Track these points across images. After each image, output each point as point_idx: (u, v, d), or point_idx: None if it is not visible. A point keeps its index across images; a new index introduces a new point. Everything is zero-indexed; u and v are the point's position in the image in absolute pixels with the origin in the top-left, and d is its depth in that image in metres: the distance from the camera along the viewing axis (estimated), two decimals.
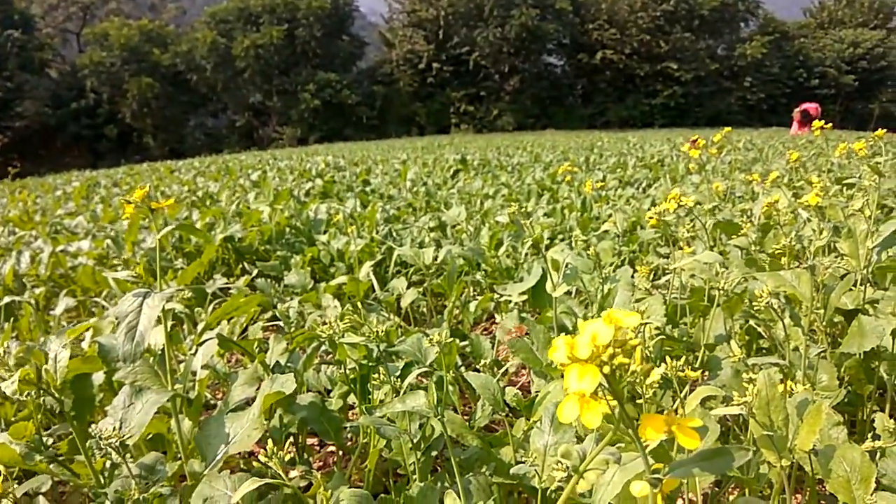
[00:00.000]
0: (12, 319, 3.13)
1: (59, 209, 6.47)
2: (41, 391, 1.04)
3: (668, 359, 1.02)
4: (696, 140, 2.52)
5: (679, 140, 15.22)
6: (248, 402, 1.74)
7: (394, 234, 4.55)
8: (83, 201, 7.16)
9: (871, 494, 1.04)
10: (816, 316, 1.73)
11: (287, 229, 4.41)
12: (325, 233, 4.39)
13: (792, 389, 1.19)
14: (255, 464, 0.93)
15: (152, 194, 6.89)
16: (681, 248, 2.34)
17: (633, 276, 2.36)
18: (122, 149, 46.91)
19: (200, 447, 1.22)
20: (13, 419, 1.78)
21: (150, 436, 1.81)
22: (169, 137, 48.44)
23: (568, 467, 1.15)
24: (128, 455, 1.25)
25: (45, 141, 46.53)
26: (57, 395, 1.08)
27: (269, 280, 3.47)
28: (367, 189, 7.27)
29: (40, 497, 1.66)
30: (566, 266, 1.90)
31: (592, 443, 0.90)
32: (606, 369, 0.52)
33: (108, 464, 1.25)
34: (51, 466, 1.50)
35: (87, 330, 1.86)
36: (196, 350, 1.84)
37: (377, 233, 4.37)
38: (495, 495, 1.33)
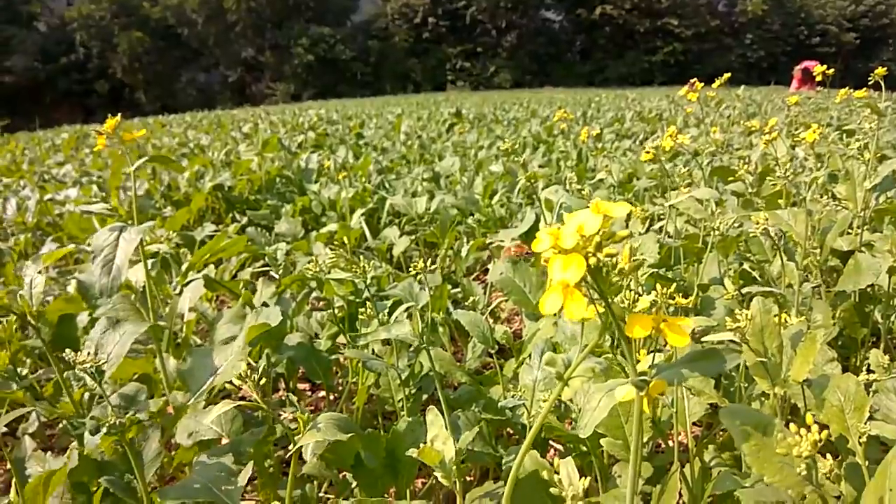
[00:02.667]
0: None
1: (48, 160, 6.37)
2: (18, 319, 1.01)
3: (658, 286, 0.98)
4: (694, 83, 2.47)
5: (678, 96, 15.05)
6: (234, 339, 1.71)
7: (387, 184, 4.49)
8: (72, 152, 7.05)
9: (865, 423, 1.02)
10: (812, 255, 1.70)
11: (278, 179, 4.34)
12: (316, 182, 4.33)
13: (786, 321, 1.17)
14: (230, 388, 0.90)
15: (142, 147, 6.78)
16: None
17: (626, 220, 2.32)
18: (114, 104, 46.13)
19: (185, 379, 1.20)
20: None
21: (136, 376, 1.78)
22: (161, 93, 47.71)
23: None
24: (108, 388, 1.23)
25: (35, 96, 45.76)
26: (34, 321, 1.05)
27: (259, 229, 3.42)
28: (360, 142, 7.17)
29: (26, 437, 1.64)
30: (560, 206, 1.85)
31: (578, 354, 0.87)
32: (593, 260, 0.49)
33: (87, 395, 1.23)
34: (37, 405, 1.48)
35: (64, 257, 1.82)
36: (181, 290, 1.80)
37: (370, 183, 4.31)
38: (483, 428, 1.31)
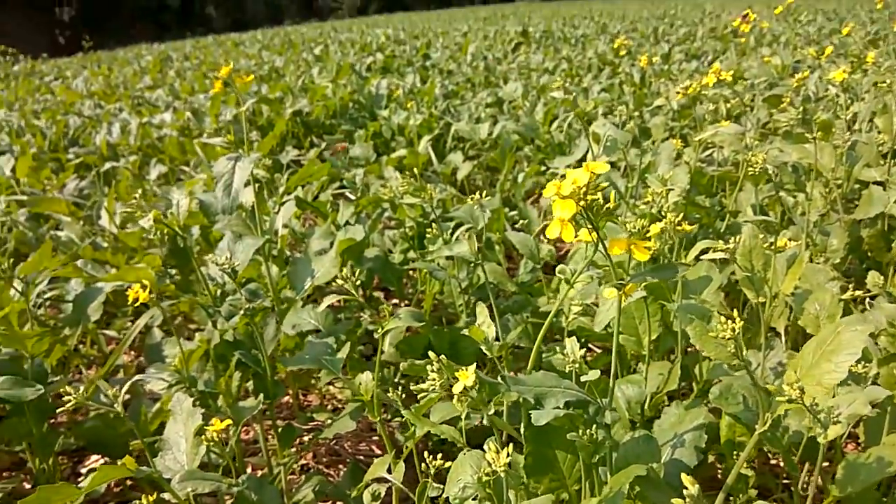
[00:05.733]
0: (112, 183, 3.53)
1: (138, 83, 6.83)
2: (168, 229, 1.34)
3: (669, 215, 1.23)
4: (747, 15, 2.51)
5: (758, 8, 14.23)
6: (325, 252, 2.05)
7: (452, 109, 4.70)
8: (159, 75, 7.50)
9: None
10: (835, 186, 1.87)
11: (350, 104, 4.62)
12: (386, 108, 4.58)
13: (786, 246, 1.38)
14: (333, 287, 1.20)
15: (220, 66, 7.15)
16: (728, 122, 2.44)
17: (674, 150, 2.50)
18: (186, 21, 46.74)
19: (291, 280, 1.53)
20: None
21: (245, 280, 2.16)
22: (231, 8, 47.95)
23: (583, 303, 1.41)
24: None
25: (111, 13, 46.79)
26: (181, 233, 1.38)
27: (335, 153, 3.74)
28: (427, 64, 7.31)
29: (155, 328, 2.05)
30: (606, 138, 2.06)
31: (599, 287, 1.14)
32: (582, 203, 0.75)
33: (218, 292, 1.58)
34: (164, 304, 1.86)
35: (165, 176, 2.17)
36: (279, 209, 2.13)
37: (436, 108, 4.52)
38: (527, 327, 1.61)
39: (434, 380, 0.76)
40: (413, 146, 3.83)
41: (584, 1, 37.91)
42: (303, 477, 1.69)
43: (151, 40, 25.10)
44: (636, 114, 3.63)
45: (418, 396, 0.82)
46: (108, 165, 3.26)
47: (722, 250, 1.15)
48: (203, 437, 1.08)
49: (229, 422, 1.07)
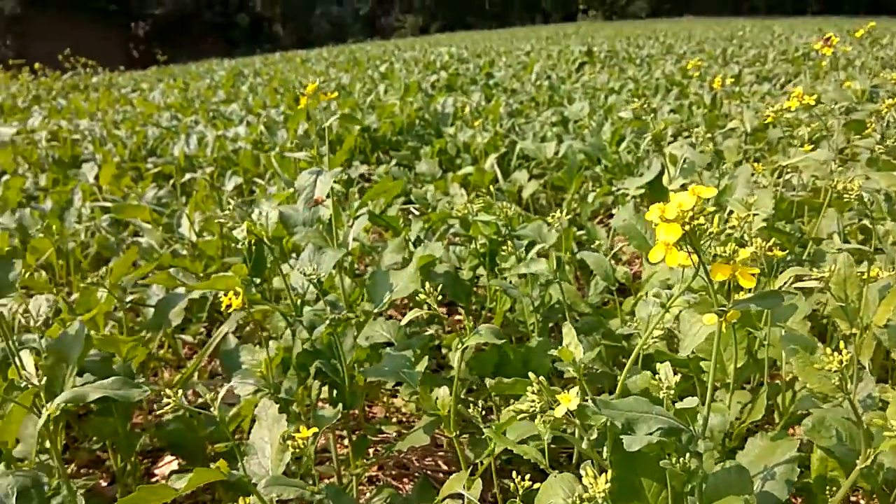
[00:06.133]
0: (189, 195, 3.67)
1: (212, 97, 7.10)
2: (257, 240, 1.39)
3: (758, 240, 1.20)
4: (830, 38, 2.42)
5: (832, 32, 13.82)
6: (397, 266, 2.08)
7: (516, 127, 4.71)
8: (231, 90, 7.78)
9: None
10: None
11: (416, 121, 4.68)
12: (451, 125, 4.63)
13: (878, 276, 1.34)
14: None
15: (294, 85, 7.37)
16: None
17: (752, 174, 2.45)
18: (254, 37, 48.38)
19: (370, 293, 1.56)
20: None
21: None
22: (297, 26, 49.42)
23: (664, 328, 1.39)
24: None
25: (183, 29, 48.82)
26: (269, 243, 1.43)
27: (401, 168, 3.80)
28: (490, 82, 7.36)
29: (230, 335, 2.11)
30: (684, 161, 2.04)
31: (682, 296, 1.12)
32: (687, 227, 0.74)
33: (298, 302, 1.62)
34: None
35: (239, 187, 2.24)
36: (352, 223, 2.18)
37: (500, 126, 4.55)
38: (602, 352, 1.59)
39: (534, 401, 0.76)
40: (478, 164, 3.86)
41: (648, 21, 37.57)
42: (372, 488, 1.71)
43: (221, 56, 26.06)
44: (707, 136, 3.56)
45: (518, 417, 0.82)
46: (188, 176, 3.39)
47: (816, 278, 1.12)
48: (289, 443, 1.11)
49: (315, 430, 1.09)
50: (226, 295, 1.35)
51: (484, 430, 1.03)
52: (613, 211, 3.68)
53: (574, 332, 0.96)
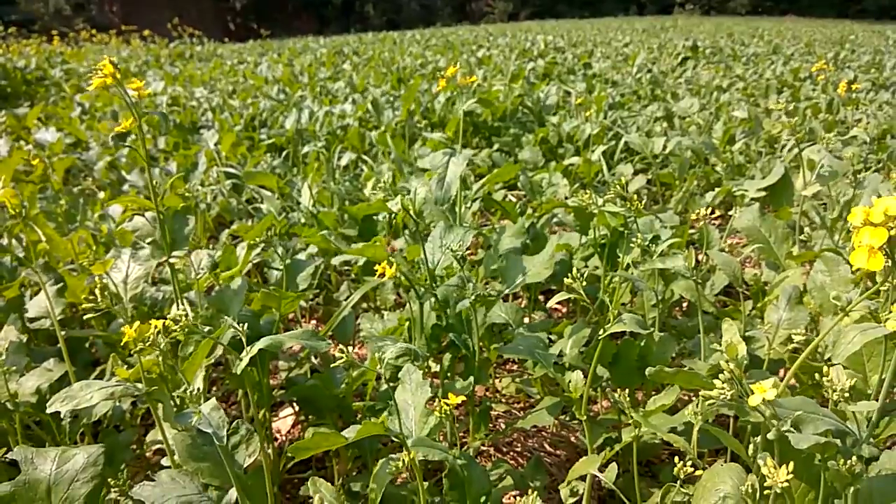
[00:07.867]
0: (298, 167, 3.83)
1: (315, 74, 7.31)
2: (407, 214, 1.46)
3: None
4: None
5: None
6: (512, 251, 2.12)
7: (619, 120, 4.65)
8: (332, 67, 7.99)
9: None
10: None
11: (519, 108, 4.69)
12: (554, 115, 4.61)
13: None
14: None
15: (388, 63, 7.49)
16: None
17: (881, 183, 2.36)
18: (346, 16, 49.17)
19: (503, 274, 1.61)
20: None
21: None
22: (387, 7, 49.90)
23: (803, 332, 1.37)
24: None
25: (278, 3, 50.07)
26: (416, 217, 1.50)
27: (502, 154, 3.83)
28: (589, 73, 7.27)
29: (343, 302, 2.20)
30: (821, 167, 1.98)
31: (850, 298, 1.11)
32: (893, 232, 0.75)
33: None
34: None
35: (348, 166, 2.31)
36: (470, 204, 2.24)
37: (604, 118, 4.50)
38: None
39: (724, 388, 0.79)
40: (580, 154, 3.84)
41: (749, 18, 35.97)
42: (485, 463, 1.77)
43: (314, 33, 26.62)
44: (838, 144, 3.42)
45: (706, 403, 0.85)
46: (306, 149, 3.53)
47: None
48: (435, 408, 1.17)
49: (463, 397, 1.15)
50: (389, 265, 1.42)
51: (633, 415, 1.06)
52: (718, 212, 3.60)
53: (735, 329, 0.98)
